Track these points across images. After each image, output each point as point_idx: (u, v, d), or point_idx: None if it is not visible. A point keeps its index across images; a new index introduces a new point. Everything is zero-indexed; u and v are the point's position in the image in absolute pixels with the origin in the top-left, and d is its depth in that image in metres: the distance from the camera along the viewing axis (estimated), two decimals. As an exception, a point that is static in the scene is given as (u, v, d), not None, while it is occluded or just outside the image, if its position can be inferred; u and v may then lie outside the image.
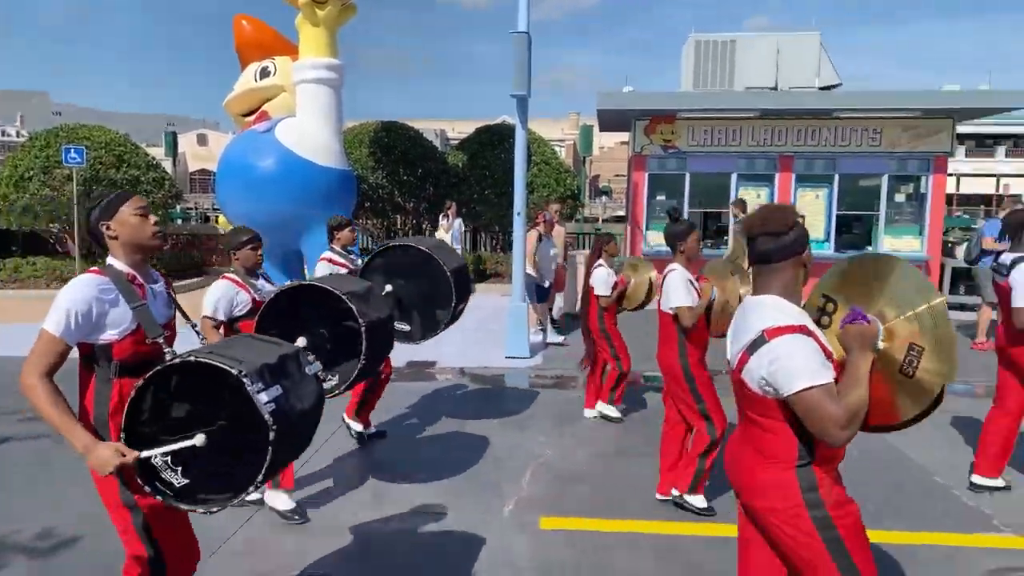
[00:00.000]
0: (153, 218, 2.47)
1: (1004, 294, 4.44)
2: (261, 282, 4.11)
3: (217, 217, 21.72)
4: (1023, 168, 60.70)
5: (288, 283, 2.99)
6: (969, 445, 5.40)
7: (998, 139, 61.39)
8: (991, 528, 4.07)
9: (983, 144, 61.18)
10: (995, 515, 4.22)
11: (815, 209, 12.05)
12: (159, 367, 2.08)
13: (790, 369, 1.98)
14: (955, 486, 4.65)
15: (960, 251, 11.21)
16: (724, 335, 4.30)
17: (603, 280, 5.88)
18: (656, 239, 12.49)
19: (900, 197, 12.29)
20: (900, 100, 11.58)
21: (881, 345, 2.12)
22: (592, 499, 4.45)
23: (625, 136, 13.18)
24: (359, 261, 5.17)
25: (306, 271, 10.40)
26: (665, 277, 4.17)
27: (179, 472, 2.11)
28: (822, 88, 12.32)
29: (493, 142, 15.03)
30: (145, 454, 2.09)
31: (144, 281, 2.45)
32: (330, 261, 5.08)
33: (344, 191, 10.30)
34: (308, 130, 9.96)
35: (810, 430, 2.01)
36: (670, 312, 4.14)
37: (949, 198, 48.97)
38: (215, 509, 2.12)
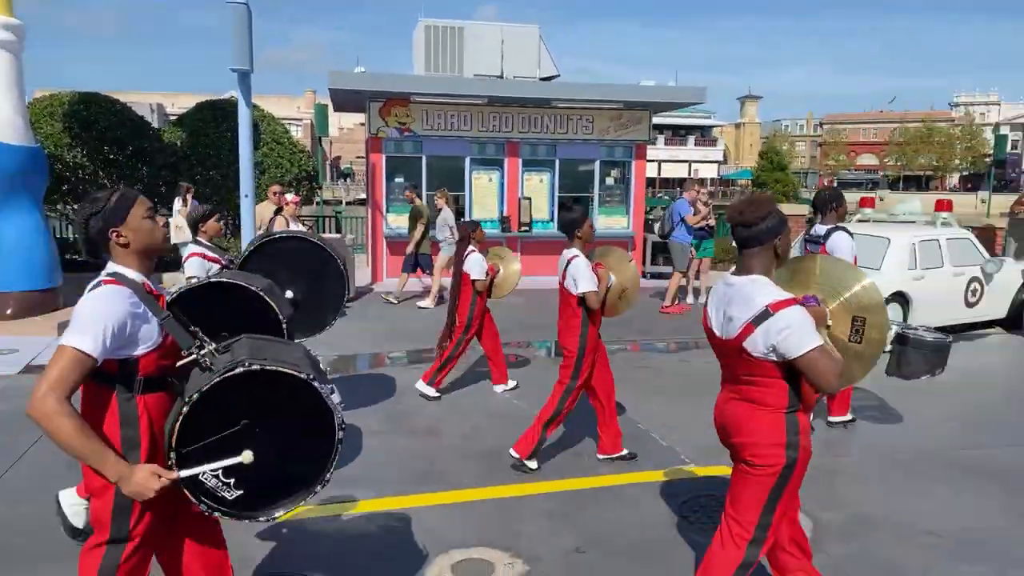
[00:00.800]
0: (161, 219, 2.33)
1: None
2: None
3: None
4: (708, 155, 71.80)
5: (196, 280, 2.78)
6: (661, 395, 6.31)
7: (689, 130, 71.68)
8: (679, 462, 4.83)
9: (678, 134, 70.98)
10: (682, 452, 4.99)
11: (540, 192, 13.05)
12: (218, 379, 2.00)
13: (800, 335, 2.35)
14: (652, 430, 5.41)
15: (657, 227, 12.91)
16: (615, 316, 4.75)
17: (479, 264, 5.95)
18: (396, 221, 12.60)
19: (610, 180, 13.78)
20: (606, 92, 12.93)
21: (829, 323, 2.66)
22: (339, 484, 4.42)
23: (363, 117, 13.04)
24: (227, 256, 4.89)
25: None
26: (570, 262, 4.44)
27: (231, 485, 2.07)
28: (542, 79, 13.31)
29: (217, 118, 13.90)
30: (185, 473, 2.01)
31: (157, 290, 2.31)
32: (203, 257, 4.64)
33: (32, 171, 8.85)
34: (-22, 99, 8.38)
35: (813, 382, 2.39)
36: (577, 295, 4.39)
37: (652, 181, 56.16)
38: (279, 513, 2.15)
